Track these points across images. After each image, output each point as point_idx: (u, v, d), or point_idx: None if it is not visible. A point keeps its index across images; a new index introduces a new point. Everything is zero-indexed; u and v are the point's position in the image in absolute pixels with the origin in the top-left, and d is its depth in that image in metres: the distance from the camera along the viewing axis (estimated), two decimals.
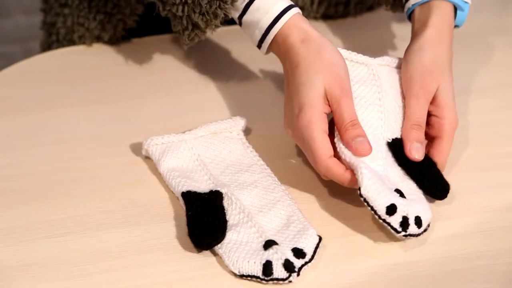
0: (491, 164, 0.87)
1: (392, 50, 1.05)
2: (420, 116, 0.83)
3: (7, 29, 2.02)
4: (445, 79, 0.84)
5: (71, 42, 1.07)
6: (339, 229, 0.78)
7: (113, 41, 1.06)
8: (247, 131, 0.90)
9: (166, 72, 1.03)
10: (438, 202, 0.82)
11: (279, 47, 0.85)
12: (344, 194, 0.82)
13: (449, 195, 0.82)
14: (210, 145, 0.87)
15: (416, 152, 0.81)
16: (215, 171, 0.84)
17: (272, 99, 0.97)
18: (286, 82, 0.84)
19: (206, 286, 0.74)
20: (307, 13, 1.08)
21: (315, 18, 1.09)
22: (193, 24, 0.88)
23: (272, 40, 0.85)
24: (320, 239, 0.76)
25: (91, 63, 1.05)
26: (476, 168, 0.87)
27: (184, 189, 0.81)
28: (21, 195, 0.83)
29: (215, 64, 1.03)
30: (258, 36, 0.85)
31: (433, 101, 0.84)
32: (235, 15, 0.87)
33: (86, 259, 0.76)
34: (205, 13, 0.86)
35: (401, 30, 1.07)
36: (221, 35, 1.06)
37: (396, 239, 0.77)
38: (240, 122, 0.89)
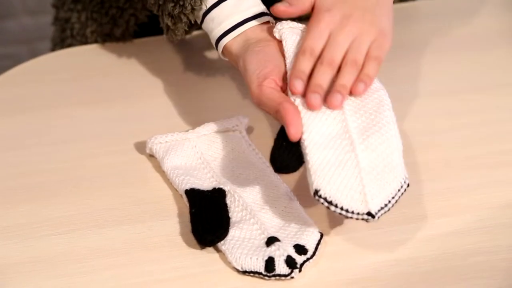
0: (490, 162, 0.87)
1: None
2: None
3: (13, 30, 2.03)
4: None
5: (84, 37, 1.08)
6: (340, 226, 0.79)
7: (125, 37, 1.07)
8: (249, 130, 0.91)
9: (170, 72, 1.03)
10: (437, 200, 0.82)
11: (230, 58, 0.85)
12: None
13: (449, 193, 0.83)
14: (213, 143, 0.88)
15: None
16: (218, 169, 0.84)
17: None
18: None
19: (210, 282, 0.74)
20: None
21: None
22: (166, 24, 0.89)
23: (222, 51, 0.85)
24: (322, 235, 0.77)
25: (96, 63, 1.05)
26: (475, 166, 0.87)
27: (188, 187, 0.81)
28: (27, 193, 0.84)
29: (218, 64, 1.04)
30: (214, 45, 0.86)
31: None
32: (198, 21, 0.88)
33: (91, 256, 0.77)
34: (172, 16, 0.88)
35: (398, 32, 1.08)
36: None
37: (397, 237, 0.78)
38: (242, 121, 0.90)
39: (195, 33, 1.09)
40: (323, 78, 0.77)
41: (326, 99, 0.76)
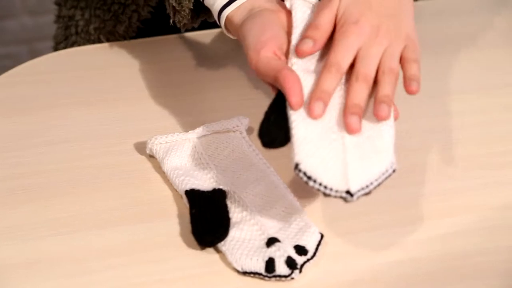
0: (491, 162, 0.88)
1: None
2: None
3: (13, 30, 2.03)
4: None
5: (88, 34, 1.08)
6: (341, 227, 0.79)
7: (128, 33, 1.07)
8: (250, 130, 0.91)
9: (170, 72, 1.03)
10: (438, 201, 0.82)
11: (232, 30, 0.83)
12: None
13: (449, 193, 0.83)
14: (213, 144, 0.88)
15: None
16: (218, 169, 0.84)
17: None
18: None
19: (210, 282, 0.74)
20: None
21: None
22: (172, 6, 0.88)
23: (225, 23, 0.83)
24: (322, 236, 0.77)
25: (96, 64, 1.06)
26: (475, 166, 0.87)
27: (188, 187, 0.81)
28: (27, 194, 0.84)
29: (218, 64, 1.04)
30: (216, 18, 0.83)
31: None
32: None
33: (91, 257, 0.77)
34: None
35: None
36: (224, 35, 1.06)
37: (397, 238, 0.78)
38: (243, 121, 0.90)
39: (196, 33, 1.09)
40: (360, 96, 0.73)
41: (368, 114, 0.74)
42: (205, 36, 1.09)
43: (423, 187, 0.84)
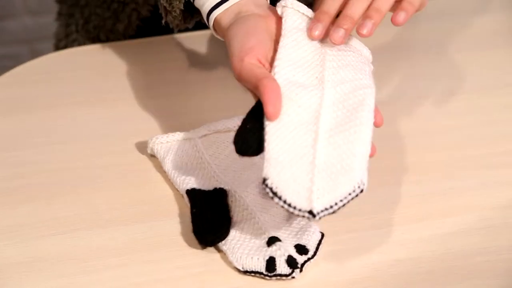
0: (491, 162, 0.88)
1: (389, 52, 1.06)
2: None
3: (14, 30, 2.03)
4: None
5: (88, 32, 1.08)
6: (341, 226, 0.79)
7: (128, 32, 1.07)
8: None
9: (171, 72, 1.03)
10: (438, 201, 0.82)
11: (220, 32, 0.82)
12: None
13: (449, 193, 0.83)
14: (214, 143, 0.88)
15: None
16: (219, 169, 0.85)
17: None
18: None
19: (211, 282, 0.74)
20: None
21: None
22: (163, 7, 0.88)
23: (213, 25, 0.82)
24: (323, 235, 0.77)
25: (97, 63, 1.06)
26: (475, 166, 0.87)
27: (189, 187, 0.82)
28: (29, 193, 0.84)
29: (219, 64, 1.04)
30: (206, 20, 0.83)
31: None
32: None
33: (92, 256, 0.77)
34: None
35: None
36: None
37: (397, 237, 0.78)
38: None
39: (196, 33, 1.09)
40: (355, 9, 0.75)
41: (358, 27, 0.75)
42: (205, 36, 1.09)
43: (423, 186, 0.84)
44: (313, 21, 0.76)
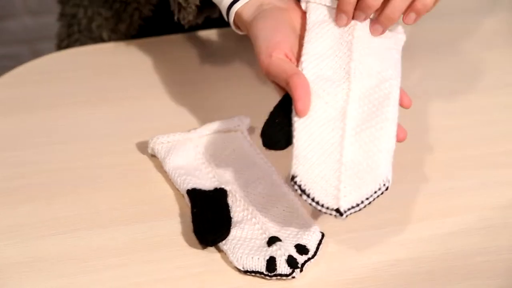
0: (491, 162, 0.88)
1: None
2: None
3: (14, 30, 2.03)
4: None
5: (91, 32, 1.08)
6: (342, 226, 0.79)
7: (130, 31, 1.07)
8: (251, 130, 0.91)
9: (171, 71, 1.03)
10: (438, 201, 0.82)
11: (242, 26, 0.82)
12: None
13: (449, 193, 0.83)
14: (215, 143, 0.88)
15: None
16: (219, 169, 0.85)
17: (276, 98, 0.97)
18: None
19: (211, 282, 0.74)
20: None
21: None
22: (177, 3, 0.88)
23: (234, 19, 0.82)
24: (323, 235, 0.77)
25: (97, 63, 1.06)
26: (475, 166, 0.87)
27: (189, 187, 0.82)
28: (29, 193, 0.84)
29: (220, 64, 1.04)
30: (225, 15, 0.83)
31: None
32: None
33: (92, 256, 0.77)
34: None
35: None
36: (225, 35, 1.07)
37: (397, 237, 0.78)
38: (244, 121, 0.90)
39: (198, 32, 1.09)
40: (396, 10, 0.76)
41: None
42: (206, 36, 1.09)
43: (423, 186, 0.84)
44: (337, 11, 0.77)
